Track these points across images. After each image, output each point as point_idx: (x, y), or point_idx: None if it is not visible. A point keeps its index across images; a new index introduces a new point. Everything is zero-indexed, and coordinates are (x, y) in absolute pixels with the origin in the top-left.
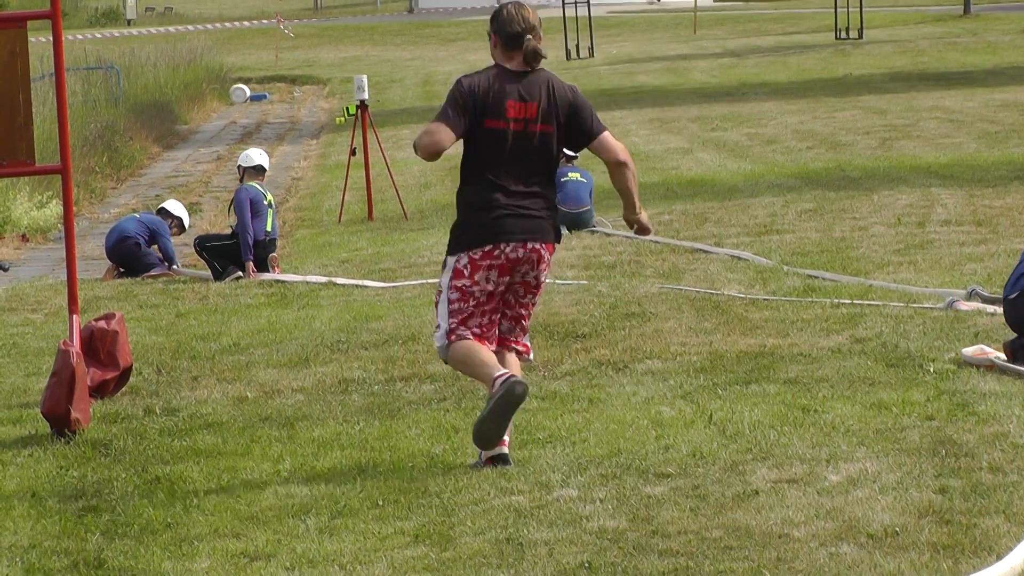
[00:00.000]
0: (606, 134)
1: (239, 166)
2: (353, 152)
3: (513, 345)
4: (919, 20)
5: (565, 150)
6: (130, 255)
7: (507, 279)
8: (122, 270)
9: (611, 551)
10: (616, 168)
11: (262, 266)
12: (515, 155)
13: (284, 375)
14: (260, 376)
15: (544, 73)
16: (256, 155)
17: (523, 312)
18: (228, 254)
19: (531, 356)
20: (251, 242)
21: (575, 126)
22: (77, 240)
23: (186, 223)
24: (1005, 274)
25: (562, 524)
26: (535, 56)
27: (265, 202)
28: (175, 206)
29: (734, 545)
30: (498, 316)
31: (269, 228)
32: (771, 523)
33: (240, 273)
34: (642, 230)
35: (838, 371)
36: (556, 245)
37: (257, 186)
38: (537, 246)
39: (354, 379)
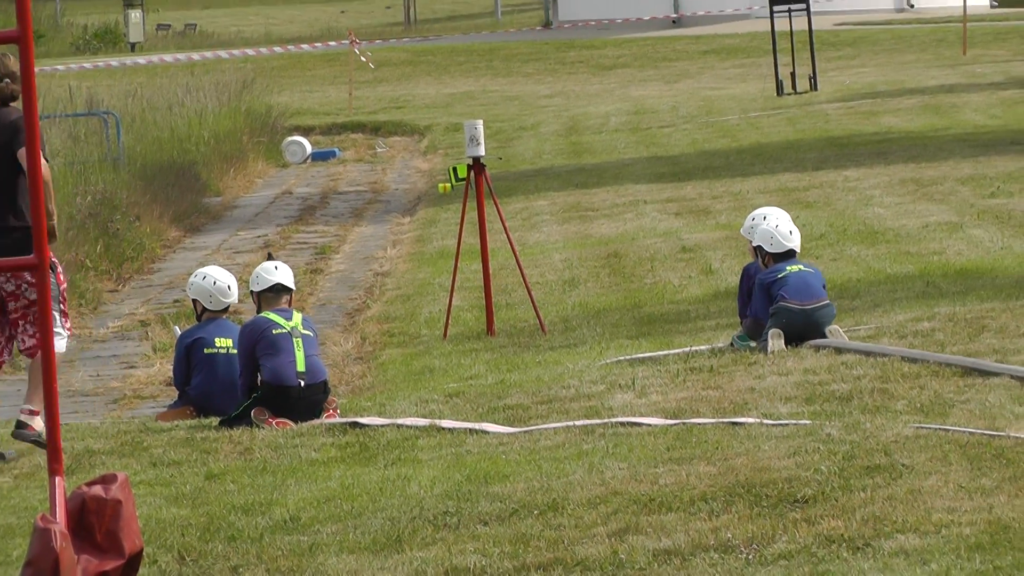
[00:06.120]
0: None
1: (250, 291)
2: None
3: None
4: None
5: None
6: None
7: None
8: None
9: None
10: None
11: (303, 416)
12: None
13: (366, 563)
14: (331, 566)
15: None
16: (270, 270)
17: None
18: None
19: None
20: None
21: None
22: (61, 367)
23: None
24: None
25: None
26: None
27: (286, 330)
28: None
29: None
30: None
31: (302, 367)
32: None
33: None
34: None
35: None
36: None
37: (272, 316)
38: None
39: (469, 568)
